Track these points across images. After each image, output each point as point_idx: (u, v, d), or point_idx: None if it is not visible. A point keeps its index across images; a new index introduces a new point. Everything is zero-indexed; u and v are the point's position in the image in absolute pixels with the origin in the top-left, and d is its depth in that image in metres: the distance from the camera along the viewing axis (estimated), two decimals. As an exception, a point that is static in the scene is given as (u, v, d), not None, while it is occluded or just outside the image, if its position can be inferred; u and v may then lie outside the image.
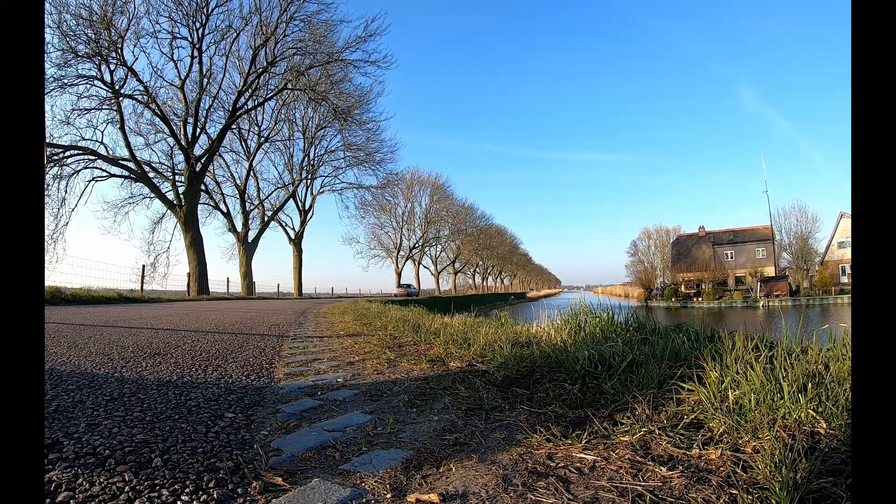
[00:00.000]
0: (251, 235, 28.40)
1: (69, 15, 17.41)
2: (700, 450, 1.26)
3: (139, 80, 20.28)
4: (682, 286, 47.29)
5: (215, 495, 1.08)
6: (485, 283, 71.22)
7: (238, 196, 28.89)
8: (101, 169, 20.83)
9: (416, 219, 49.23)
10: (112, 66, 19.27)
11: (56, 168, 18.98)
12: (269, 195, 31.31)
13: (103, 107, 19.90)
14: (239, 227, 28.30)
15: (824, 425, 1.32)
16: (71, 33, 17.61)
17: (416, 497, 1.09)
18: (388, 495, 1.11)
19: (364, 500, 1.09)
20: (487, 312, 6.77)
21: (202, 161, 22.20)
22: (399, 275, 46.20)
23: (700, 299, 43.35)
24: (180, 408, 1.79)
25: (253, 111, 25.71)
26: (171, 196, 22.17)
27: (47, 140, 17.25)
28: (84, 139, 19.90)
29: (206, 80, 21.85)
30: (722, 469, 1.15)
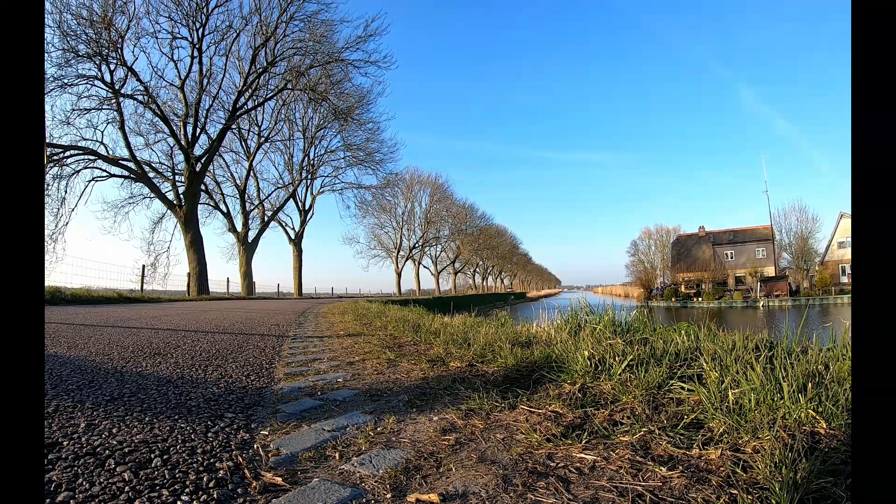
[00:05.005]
0: (251, 235, 28.38)
1: (69, 15, 17.41)
2: (700, 450, 1.26)
3: (139, 80, 20.27)
4: (682, 286, 47.30)
5: (215, 495, 1.08)
6: (485, 283, 71.19)
7: (238, 196, 28.88)
8: (101, 169, 20.82)
9: (416, 219, 49.24)
10: (112, 66, 19.26)
11: (56, 168, 18.96)
12: (269, 195, 31.34)
13: (103, 107, 19.87)
14: (239, 227, 28.29)
15: (824, 425, 1.32)
16: (71, 33, 17.60)
17: (416, 497, 1.09)
18: (388, 495, 1.11)
19: (364, 500, 1.09)
20: (487, 312, 6.77)
21: (202, 161, 22.18)
22: (399, 275, 46.23)
23: (700, 299, 43.35)
24: (180, 408, 1.79)
25: (253, 111, 25.70)
26: (171, 196, 22.16)
27: (47, 140, 17.26)
28: (84, 139, 19.89)
29: (206, 81, 21.84)
30: (722, 469, 1.15)
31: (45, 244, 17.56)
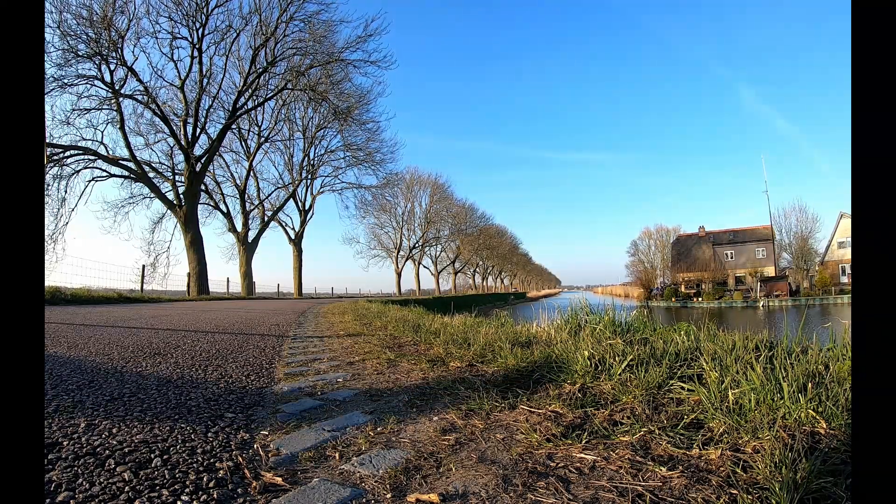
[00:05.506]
0: (251, 235, 28.38)
1: (69, 15, 17.41)
2: (700, 450, 1.26)
3: (139, 80, 20.27)
4: (682, 286, 47.31)
5: (215, 495, 1.08)
6: (485, 283, 71.18)
7: (238, 196, 28.88)
8: (101, 169, 20.82)
9: (416, 219, 49.24)
10: (112, 66, 19.25)
11: (56, 168, 18.96)
12: (269, 195, 31.36)
13: (103, 107, 19.87)
14: (239, 227, 28.29)
15: (824, 425, 1.32)
16: (71, 33, 17.60)
17: (416, 497, 1.09)
18: (388, 495, 1.11)
19: (364, 500, 1.09)
20: (487, 312, 6.77)
21: (202, 161, 22.18)
22: (399, 275, 46.23)
23: (700, 299, 43.36)
24: (180, 408, 1.79)
25: (253, 111, 25.70)
26: (171, 196, 22.15)
27: (47, 140, 17.25)
28: (84, 139, 19.91)
29: (206, 81, 21.84)
30: (722, 469, 1.15)
31: (45, 244, 17.55)
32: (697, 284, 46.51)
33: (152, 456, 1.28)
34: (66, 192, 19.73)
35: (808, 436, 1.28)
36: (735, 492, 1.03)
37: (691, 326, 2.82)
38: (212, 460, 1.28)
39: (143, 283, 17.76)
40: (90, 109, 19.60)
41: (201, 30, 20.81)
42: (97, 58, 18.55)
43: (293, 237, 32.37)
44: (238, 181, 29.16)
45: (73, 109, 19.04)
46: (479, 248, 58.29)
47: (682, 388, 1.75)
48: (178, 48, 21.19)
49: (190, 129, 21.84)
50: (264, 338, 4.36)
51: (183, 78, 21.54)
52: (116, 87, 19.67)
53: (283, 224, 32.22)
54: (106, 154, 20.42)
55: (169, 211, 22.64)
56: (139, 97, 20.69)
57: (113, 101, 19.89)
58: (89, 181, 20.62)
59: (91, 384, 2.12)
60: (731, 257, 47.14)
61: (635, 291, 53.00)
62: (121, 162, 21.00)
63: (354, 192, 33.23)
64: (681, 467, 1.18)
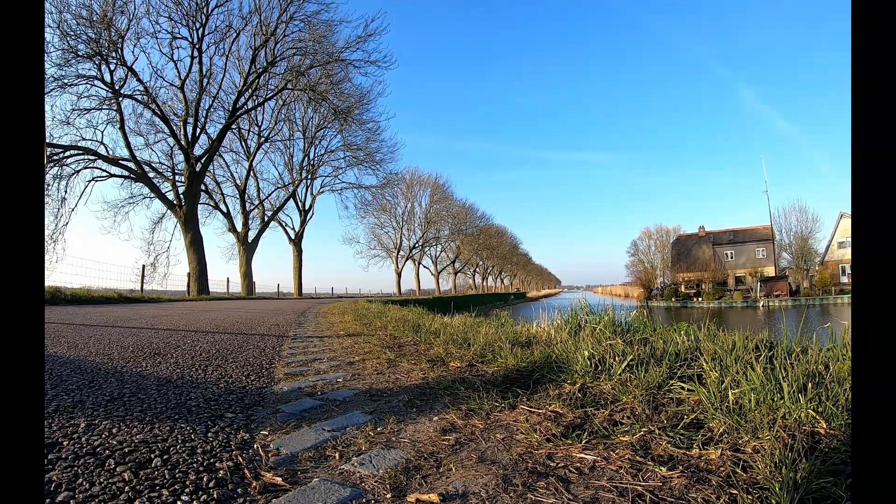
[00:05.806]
0: (251, 235, 28.38)
1: (69, 15, 17.41)
2: (700, 450, 1.26)
3: (139, 80, 20.26)
4: (682, 286, 47.32)
5: (215, 495, 1.08)
6: (485, 283, 71.17)
7: (238, 196, 28.88)
8: (101, 169, 20.83)
9: (416, 219, 49.23)
10: (112, 66, 19.26)
11: (56, 168, 18.96)
12: (269, 195, 31.36)
13: (103, 107, 19.87)
14: (239, 227, 28.29)
15: (824, 425, 1.32)
16: (71, 33, 17.60)
17: (416, 497, 1.09)
18: (388, 495, 1.11)
19: (364, 500, 1.10)
20: (487, 312, 6.77)
21: (202, 161, 22.18)
22: (399, 275, 46.23)
23: (700, 299, 43.36)
24: (180, 408, 1.79)
25: (253, 111, 25.70)
26: (171, 196, 22.16)
27: (47, 140, 17.25)
28: (84, 139, 19.91)
29: (206, 80, 21.84)
30: (722, 469, 1.15)
31: (45, 244, 17.55)
32: (697, 284, 46.52)
33: (152, 456, 1.28)
34: (66, 192, 19.75)
35: (808, 436, 1.28)
36: (735, 492, 1.03)
37: (691, 326, 2.82)
38: (212, 460, 1.28)
39: (143, 283, 17.77)
40: (90, 109, 19.61)
41: (201, 30, 20.81)
42: (97, 58, 18.54)
43: (293, 237, 32.38)
44: (238, 181, 29.17)
45: (73, 109, 19.07)
46: (479, 248, 58.28)
47: (682, 388, 1.75)
48: (178, 48, 21.22)
49: (190, 129, 21.85)
50: (264, 338, 4.36)
51: (183, 78, 21.55)
52: (116, 87, 19.67)
53: (283, 224, 32.25)
54: (106, 154, 20.42)
55: (169, 211, 22.64)
56: (139, 97, 20.71)
57: (113, 101, 19.89)
58: (89, 181, 20.65)
59: (91, 384, 2.12)
60: (731, 257, 47.16)
61: (635, 291, 53.02)
62: (121, 162, 21.00)
63: (354, 192, 33.28)
64: (681, 467, 1.18)
